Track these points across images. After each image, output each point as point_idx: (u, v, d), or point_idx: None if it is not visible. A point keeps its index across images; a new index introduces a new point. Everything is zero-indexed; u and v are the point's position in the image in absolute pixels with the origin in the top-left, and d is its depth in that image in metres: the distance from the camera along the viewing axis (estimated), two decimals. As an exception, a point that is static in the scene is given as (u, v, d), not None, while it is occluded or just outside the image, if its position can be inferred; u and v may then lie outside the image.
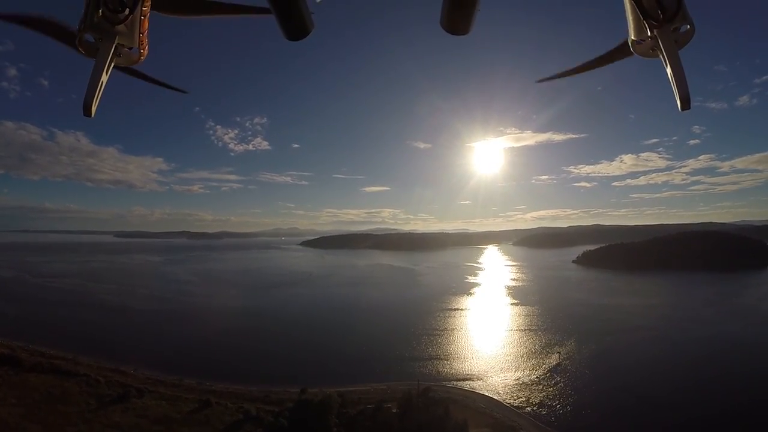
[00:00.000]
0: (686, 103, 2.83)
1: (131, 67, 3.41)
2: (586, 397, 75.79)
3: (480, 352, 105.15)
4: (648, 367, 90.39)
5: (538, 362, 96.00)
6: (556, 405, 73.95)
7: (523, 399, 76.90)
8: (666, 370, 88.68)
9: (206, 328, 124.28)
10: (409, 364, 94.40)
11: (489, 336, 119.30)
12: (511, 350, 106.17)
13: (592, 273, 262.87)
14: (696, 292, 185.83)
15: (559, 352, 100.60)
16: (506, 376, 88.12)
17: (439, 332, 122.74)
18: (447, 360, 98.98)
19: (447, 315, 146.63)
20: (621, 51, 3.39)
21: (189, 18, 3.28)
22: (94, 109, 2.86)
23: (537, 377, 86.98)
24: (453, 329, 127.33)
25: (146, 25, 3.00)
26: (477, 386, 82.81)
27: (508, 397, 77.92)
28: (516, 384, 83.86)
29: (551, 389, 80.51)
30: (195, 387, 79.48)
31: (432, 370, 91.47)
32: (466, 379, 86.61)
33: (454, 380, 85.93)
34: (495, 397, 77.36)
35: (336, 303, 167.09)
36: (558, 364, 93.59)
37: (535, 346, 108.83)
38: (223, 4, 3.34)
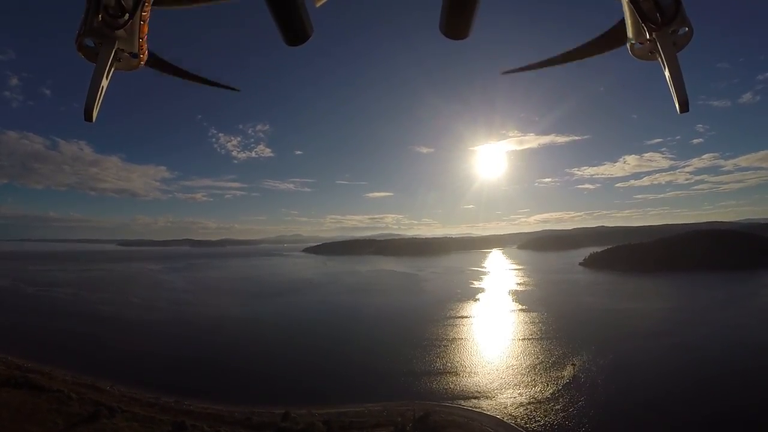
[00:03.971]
0: (685, 106, 2.80)
1: (178, 67, 3.43)
2: (610, 417, 67.07)
3: (487, 364, 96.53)
4: (672, 378, 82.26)
5: (552, 376, 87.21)
6: (580, 429, 64.70)
7: (540, 421, 67.54)
8: (692, 380, 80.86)
9: (195, 339, 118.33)
10: (409, 380, 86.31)
11: (497, 346, 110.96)
12: (521, 362, 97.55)
13: (600, 275, 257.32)
14: (710, 294, 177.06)
15: (574, 364, 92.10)
16: (518, 393, 79.10)
17: (443, 343, 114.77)
18: (451, 374, 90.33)
19: (451, 323, 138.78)
20: (598, 44, 3.25)
21: (189, 7, 3.17)
22: (95, 114, 2.85)
23: (552, 394, 77.96)
24: (458, 339, 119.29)
25: (146, 30, 2.95)
26: (485, 406, 73.85)
27: (522, 419, 68.64)
28: (529, 402, 74.67)
29: (570, 409, 71.27)
30: (172, 407, 73.00)
31: (434, 387, 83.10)
32: (472, 397, 77.67)
33: (459, 399, 77.20)
34: (506, 420, 68.39)
35: (334, 312, 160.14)
36: (574, 378, 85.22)
37: (547, 356, 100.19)
38: None
